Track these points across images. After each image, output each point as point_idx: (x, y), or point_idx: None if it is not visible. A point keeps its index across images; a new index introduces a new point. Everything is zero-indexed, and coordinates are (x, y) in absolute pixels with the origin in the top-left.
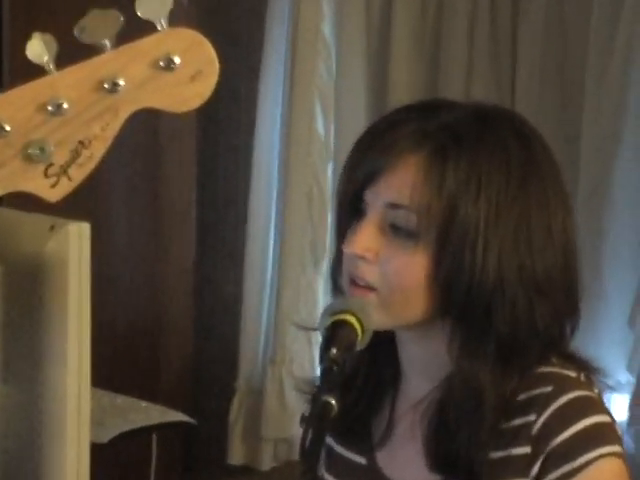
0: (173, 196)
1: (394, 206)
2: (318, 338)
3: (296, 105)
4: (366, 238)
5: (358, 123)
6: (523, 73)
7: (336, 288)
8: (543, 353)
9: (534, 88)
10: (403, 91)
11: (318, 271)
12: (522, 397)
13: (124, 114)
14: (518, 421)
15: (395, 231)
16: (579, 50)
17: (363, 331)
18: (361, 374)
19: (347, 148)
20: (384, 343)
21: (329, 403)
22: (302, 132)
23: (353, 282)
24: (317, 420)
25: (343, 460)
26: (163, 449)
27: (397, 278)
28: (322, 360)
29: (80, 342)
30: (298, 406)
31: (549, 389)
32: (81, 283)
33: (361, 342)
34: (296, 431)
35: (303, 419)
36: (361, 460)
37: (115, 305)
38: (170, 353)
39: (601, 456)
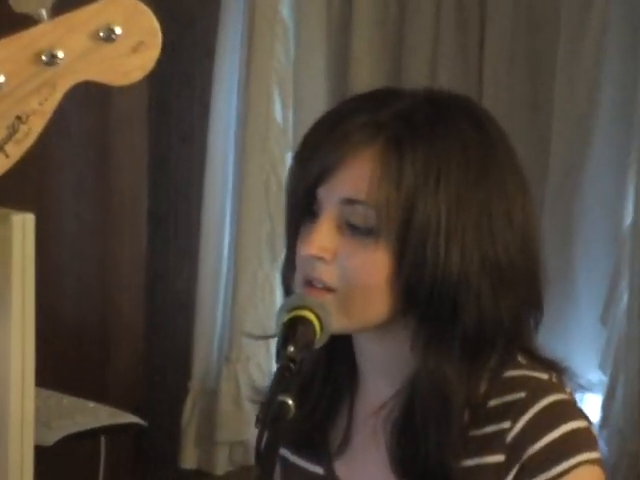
0: (123, 186)
1: (351, 202)
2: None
3: (253, 90)
4: (322, 237)
5: (318, 109)
6: (491, 60)
7: (288, 293)
8: (508, 348)
9: (502, 76)
10: (365, 75)
11: (276, 265)
12: (494, 403)
13: (63, 87)
14: (491, 428)
15: (353, 228)
16: (550, 37)
17: (322, 328)
18: (317, 378)
19: None
20: (340, 344)
21: (285, 403)
22: (259, 119)
23: (309, 284)
24: (273, 421)
25: (299, 471)
26: (112, 452)
27: (357, 277)
28: (279, 358)
29: (24, 339)
30: (254, 408)
31: (522, 395)
32: (25, 277)
33: (320, 340)
34: (252, 434)
35: (258, 420)
36: (318, 470)
37: (62, 300)
38: (120, 351)
39: (579, 464)
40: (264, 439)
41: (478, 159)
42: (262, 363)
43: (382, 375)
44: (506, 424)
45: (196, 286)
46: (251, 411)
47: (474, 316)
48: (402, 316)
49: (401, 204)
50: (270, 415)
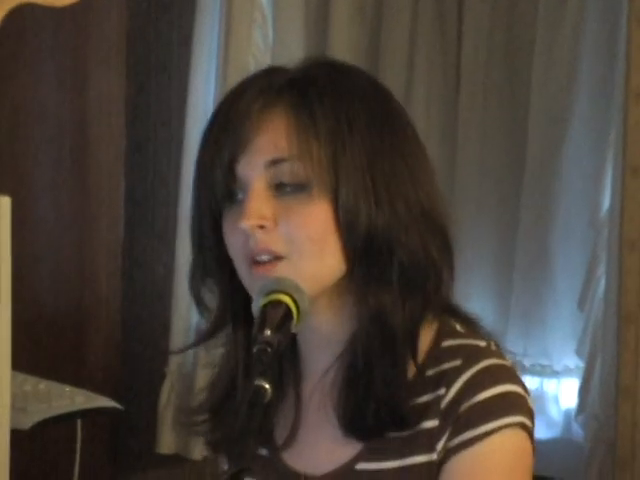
0: (101, 171)
1: (275, 162)
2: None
3: (231, 75)
4: (258, 206)
5: None
6: (469, 44)
7: (200, 304)
8: (437, 286)
9: (480, 60)
10: (344, 60)
11: None
12: (431, 372)
13: (1, 11)
14: (427, 397)
15: (285, 188)
16: (527, 21)
17: (298, 311)
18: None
19: None
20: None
21: (262, 387)
22: None
23: (254, 262)
24: (250, 406)
25: None
26: (88, 436)
27: (302, 235)
28: (255, 342)
29: (0, 324)
30: None
31: (458, 362)
32: (1, 261)
33: (297, 323)
34: None
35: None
36: (263, 452)
37: (39, 285)
38: (97, 336)
39: (506, 426)
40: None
41: (380, 109)
42: None
43: (325, 345)
44: (441, 391)
45: (173, 271)
46: None
47: (407, 251)
48: (351, 267)
49: (324, 151)
50: (247, 399)
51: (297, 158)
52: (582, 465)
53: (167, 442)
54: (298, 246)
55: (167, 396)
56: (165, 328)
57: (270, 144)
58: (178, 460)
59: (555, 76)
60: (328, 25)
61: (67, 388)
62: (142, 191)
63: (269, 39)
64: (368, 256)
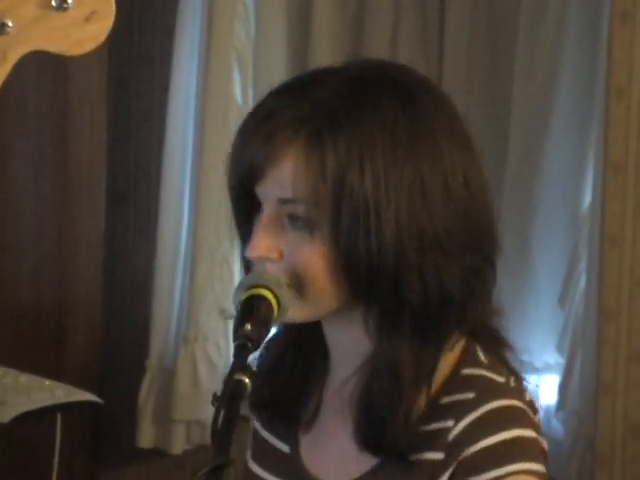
0: (82, 164)
1: (283, 201)
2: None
3: (213, 69)
4: (265, 239)
5: None
6: (451, 40)
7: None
8: (461, 320)
9: (462, 56)
10: (326, 55)
11: (234, 245)
12: (445, 401)
13: (13, 57)
14: (435, 425)
15: (292, 224)
16: (509, 17)
17: (279, 306)
18: (287, 359)
19: None
20: (311, 327)
21: (242, 381)
22: (219, 98)
23: None
24: (229, 400)
25: (267, 445)
26: (68, 430)
27: (303, 271)
28: (236, 336)
29: None
30: (211, 386)
31: (471, 396)
32: None
33: (277, 318)
34: (209, 413)
35: (215, 398)
36: (284, 447)
37: (19, 278)
38: (77, 330)
39: (512, 473)
40: (220, 417)
41: (405, 134)
42: (220, 343)
43: (345, 357)
44: (450, 422)
45: (154, 265)
46: (208, 390)
47: (419, 293)
48: (355, 301)
49: (329, 194)
50: (227, 393)
51: (301, 200)
52: (562, 461)
53: (147, 436)
54: (299, 281)
55: (147, 390)
56: (146, 322)
57: (279, 182)
58: (158, 454)
59: (537, 73)
60: (310, 19)
61: (47, 382)
62: (123, 184)
63: (251, 33)
64: (375, 297)
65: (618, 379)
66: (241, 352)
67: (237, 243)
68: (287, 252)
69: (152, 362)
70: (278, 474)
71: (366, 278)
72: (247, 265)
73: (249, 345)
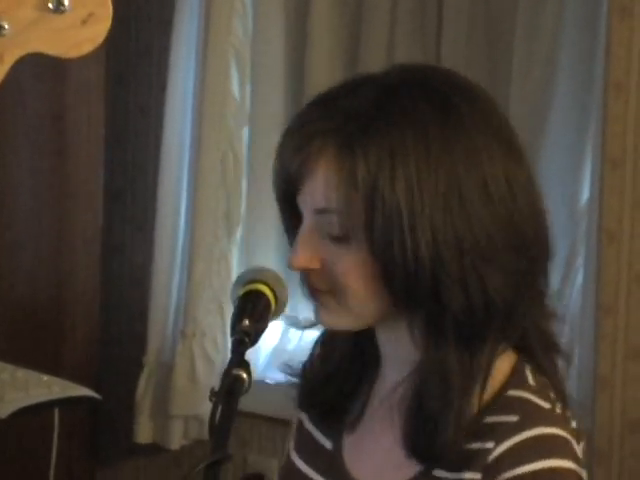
0: (80, 160)
1: (319, 211)
2: (231, 310)
3: (210, 65)
4: (305, 250)
5: (275, 84)
6: (449, 36)
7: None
8: (507, 325)
9: (460, 52)
10: (324, 51)
11: (232, 241)
12: (489, 420)
13: (10, 59)
14: (476, 445)
15: (329, 234)
16: (507, 13)
17: (277, 301)
18: (346, 360)
19: (264, 111)
20: (367, 330)
21: (240, 377)
22: (216, 93)
23: (312, 288)
24: (227, 395)
25: (310, 438)
26: (66, 425)
27: (345, 281)
28: (233, 332)
29: None
30: (209, 382)
31: (515, 419)
32: None
33: (275, 313)
34: (207, 408)
35: (213, 394)
36: (327, 444)
37: (16, 274)
38: (75, 325)
39: None
40: (218, 413)
41: (439, 139)
42: (218, 338)
43: (396, 361)
44: (490, 444)
45: (152, 260)
46: (206, 386)
47: (461, 300)
48: (398, 310)
49: (361, 204)
50: (224, 388)
51: (335, 211)
52: None
53: (145, 432)
54: (341, 290)
55: (145, 386)
56: (143, 318)
57: (314, 192)
58: (156, 449)
59: (535, 69)
60: (308, 14)
61: (45, 377)
62: (121, 180)
63: (249, 29)
64: (416, 305)
65: (616, 375)
66: (239, 347)
67: (234, 239)
68: (327, 261)
69: (150, 358)
70: (318, 469)
71: (405, 287)
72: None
73: (247, 340)
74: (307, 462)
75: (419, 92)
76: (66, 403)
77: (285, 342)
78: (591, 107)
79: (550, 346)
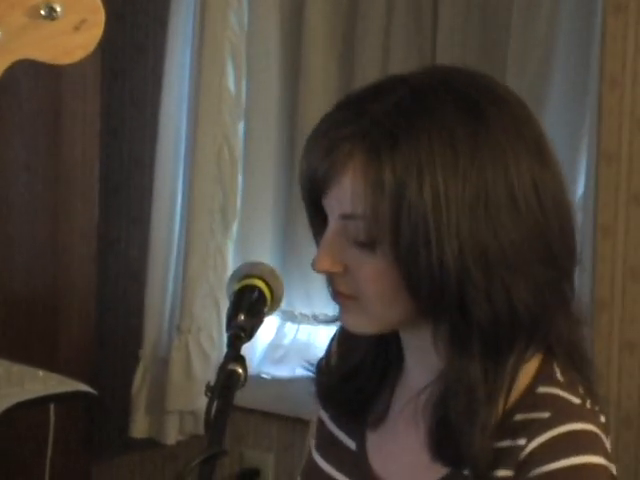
0: (76, 155)
1: (345, 217)
2: (227, 305)
3: (206, 60)
4: (329, 254)
5: (271, 79)
6: (444, 31)
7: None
8: (534, 336)
9: (456, 46)
10: (319, 46)
11: (228, 236)
12: (519, 417)
13: (2, 65)
14: (507, 443)
15: (354, 239)
16: (503, 7)
17: (272, 296)
18: (369, 360)
19: (259, 105)
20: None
21: (235, 372)
22: (212, 88)
23: (336, 292)
24: (223, 389)
25: (333, 439)
26: (61, 420)
27: (368, 287)
28: (229, 327)
29: None
30: (205, 377)
31: (546, 415)
32: None
33: (270, 308)
34: (203, 403)
35: (208, 389)
36: (351, 444)
37: (11, 268)
38: (71, 320)
39: None
40: (214, 407)
41: (467, 145)
42: (213, 333)
43: (420, 363)
44: (522, 441)
45: (148, 255)
46: (201, 381)
47: (486, 310)
48: (422, 317)
49: (387, 211)
50: (220, 383)
51: (361, 217)
52: None
53: (141, 426)
54: (365, 295)
55: (141, 380)
56: (139, 312)
57: (340, 198)
58: (152, 444)
59: (530, 64)
60: (303, 8)
61: (40, 372)
62: (117, 175)
63: (244, 24)
64: (441, 314)
65: (612, 369)
66: (234, 342)
67: (230, 233)
68: (351, 266)
69: (146, 352)
70: (342, 469)
71: (429, 295)
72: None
73: (242, 335)
74: (330, 462)
75: (447, 96)
76: (62, 398)
77: (281, 337)
78: (586, 102)
79: (577, 353)
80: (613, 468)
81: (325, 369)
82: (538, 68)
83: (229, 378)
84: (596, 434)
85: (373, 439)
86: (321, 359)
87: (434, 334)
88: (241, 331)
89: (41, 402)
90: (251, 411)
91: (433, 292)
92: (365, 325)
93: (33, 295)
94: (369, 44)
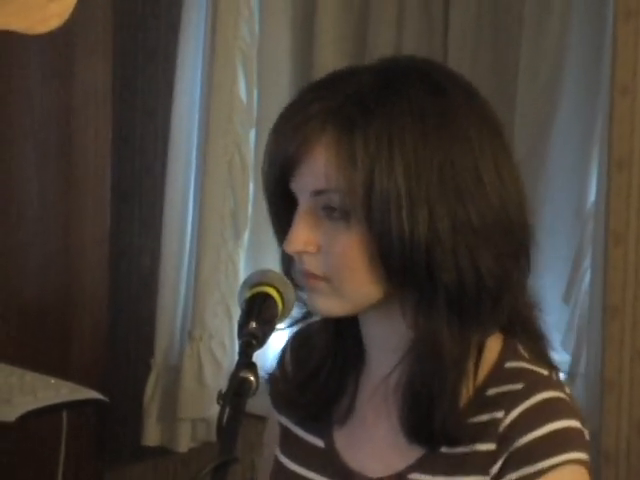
0: (87, 161)
1: (317, 192)
2: (239, 313)
3: (217, 68)
4: (302, 232)
5: (282, 87)
6: (456, 38)
7: (296, 284)
8: (497, 306)
9: (467, 53)
10: (330, 53)
11: (239, 243)
12: (491, 392)
13: None
14: (485, 417)
15: (327, 215)
16: (514, 14)
17: (284, 304)
18: (327, 357)
19: (270, 114)
20: (347, 323)
21: (247, 379)
22: (223, 96)
23: (307, 274)
24: (235, 397)
25: (299, 442)
26: (74, 428)
27: (341, 262)
28: (241, 334)
29: None
30: (217, 384)
31: (519, 386)
32: None
33: (282, 315)
34: (215, 411)
35: (220, 396)
36: (319, 443)
37: (24, 276)
38: (83, 327)
39: (564, 462)
40: (225, 415)
41: (434, 121)
42: (225, 341)
43: (383, 349)
44: (499, 414)
45: (159, 263)
46: (213, 388)
47: (453, 273)
48: (392, 290)
49: (361, 183)
50: (232, 391)
51: (334, 190)
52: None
53: (152, 434)
54: (338, 273)
55: (152, 388)
56: (151, 319)
57: (312, 174)
58: (164, 452)
59: (542, 70)
60: (314, 17)
61: (52, 380)
62: (128, 181)
63: (255, 33)
64: (411, 282)
65: (623, 376)
66: (246, 350)
67: (241, 241)
68: (324, 244)
69: (157, 360)
70: (313, 468)
71: (400, 262)
72: (286, 262)
73: (254, 343)
74: (298, 462)
75: (415, 78)
76: (74, 406)
77: None
78: (597, 109)
79: (536, 332)
80: (587, 434)
81: (281, 378)
82: (549, 75)
83: (241, 385)
84: (568, 401)
85: (342, 434)
86: (274, 370)
87: (402, 306)
88: (253, 338)
89: (53, 410)
90: (263, 419)
91: (404, 258)
92: (336, 307)
93: (45, 302)
94: (381, 50)
